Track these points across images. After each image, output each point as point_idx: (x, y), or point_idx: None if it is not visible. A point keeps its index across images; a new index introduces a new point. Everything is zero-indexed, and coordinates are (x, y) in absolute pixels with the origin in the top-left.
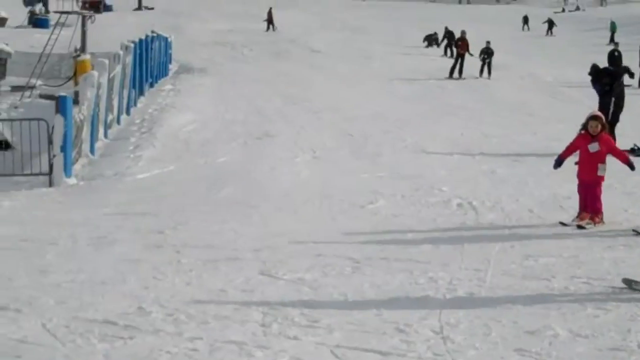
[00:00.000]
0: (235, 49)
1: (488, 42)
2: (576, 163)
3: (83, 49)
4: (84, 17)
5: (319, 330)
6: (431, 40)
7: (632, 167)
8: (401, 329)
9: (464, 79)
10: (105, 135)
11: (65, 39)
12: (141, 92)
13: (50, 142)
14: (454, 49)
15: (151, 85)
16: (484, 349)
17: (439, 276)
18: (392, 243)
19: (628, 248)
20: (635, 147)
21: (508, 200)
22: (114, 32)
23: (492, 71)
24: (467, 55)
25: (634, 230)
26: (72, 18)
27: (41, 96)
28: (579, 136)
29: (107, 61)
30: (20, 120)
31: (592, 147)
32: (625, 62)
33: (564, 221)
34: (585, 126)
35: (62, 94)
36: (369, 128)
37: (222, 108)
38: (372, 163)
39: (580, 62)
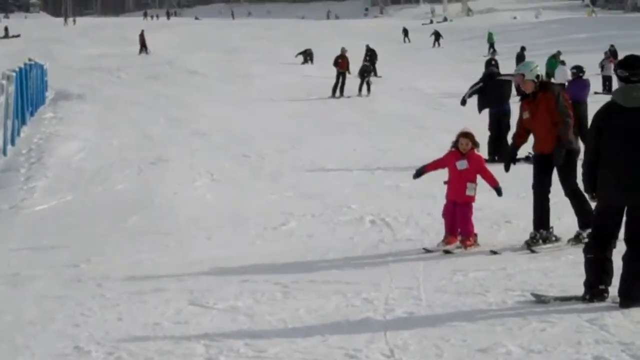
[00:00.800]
0: (111, 73)
1: (366, 61)
2: (445, 182)
3: None
4: None
5: None
6: (306, 56)
7: (499, 193)
8: (351, 354)
9: (348, 97)
10: None
11: None
12: (23, 122)
13: None
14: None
15: (31, 114)
16: None
17: (372, 297)
18: (316, 265)
19: (554, 258)
20: (530, 155)
21: (420, 214)
22: None
23: (371, 87)
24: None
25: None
26: None
27: None
28: (449, 153)
29: None
30: None
31: (461, 164)
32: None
33: (428, 247)
34: (455, 143)
35: None
36: (263, 148)
37: (108, 134)
38: (275, 183)
39: (458, 73)
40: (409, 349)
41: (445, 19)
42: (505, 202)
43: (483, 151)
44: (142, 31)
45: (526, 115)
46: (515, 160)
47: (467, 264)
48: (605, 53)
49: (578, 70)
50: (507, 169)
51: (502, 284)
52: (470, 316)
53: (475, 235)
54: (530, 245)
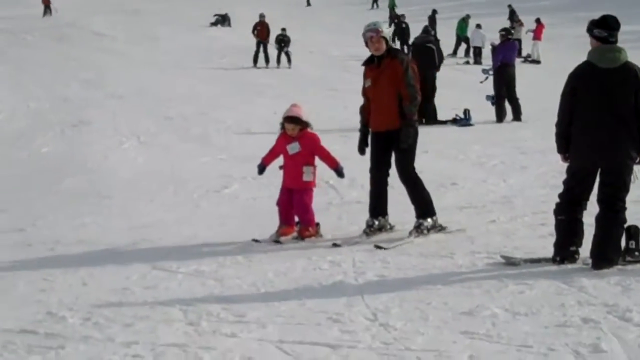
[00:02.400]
0: (15, 34)
1: (283, 30)
2: (281, 167)
3: None
4: None
5: (251, 326)
6: (223, 20)
7: (340, 174)
8: (334, 318)
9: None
10: None
11: None
12: None
13: None
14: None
15: None
16: (431, 334)
17: (338, 259)
18: (268, 227)
19: (511, 220)
20: (457, 117)
21: (363, 177)
22: None
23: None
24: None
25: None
26: None
27: None
28: (279, 137)
29: None
30: None
31: (292, 148)
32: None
33: (257, 238)
34: (283, 126)
35: None
36: (184, 110)
37: (21, 96)
38: (205, 146)
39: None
40: (391, 312)
41: None
42: (445, 164)
43: None
44: None
45: (368, 83)
46: (366, 143)
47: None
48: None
49: (507, 32)
50: (360, 151)
51: (466, 246)
52: (443, 279)
53: (317, 224)
54: (368, 233)
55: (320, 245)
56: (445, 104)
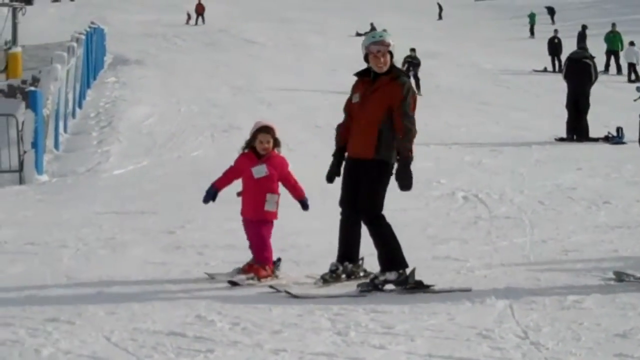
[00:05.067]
0: (167, 39)
1: (412, 50)
2: (239, 194)
3: (14, 41)
4: (14, 9)
5: (400, 338)
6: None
7: (305, 206)
8: (484, 334)
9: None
10: (65, 130)
11: None
12: (88, 85)
13: (19, 138)
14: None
15: (94, 78)
16: (583, 355)
17: (486, 273)
18: (417, 240)
19: None
20: (610, 135)
21: (513, 192)
22: (37, 24)
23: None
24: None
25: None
26: None
27: None
28: (241, 157)
29: (65, 54)
30: None
31: (258, 171)
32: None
33: (209, 272)
34: (250, 142)
35: (32, 89)
36: (333, 119)
37: (174, 100)
38: None
39: (511, 50)
40: (542, 331)
41: None
42: (598, 182)
43: (560, 130)
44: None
45: (356, 98)
46: (338, 170)
47: (576, 243)
48: None
49: None
50: (329, 179)
51: (619, 267)
52: (596, 299)
53: (274, 263)
54: (327, 280)
55: (467, 258)
56: (597, 121)
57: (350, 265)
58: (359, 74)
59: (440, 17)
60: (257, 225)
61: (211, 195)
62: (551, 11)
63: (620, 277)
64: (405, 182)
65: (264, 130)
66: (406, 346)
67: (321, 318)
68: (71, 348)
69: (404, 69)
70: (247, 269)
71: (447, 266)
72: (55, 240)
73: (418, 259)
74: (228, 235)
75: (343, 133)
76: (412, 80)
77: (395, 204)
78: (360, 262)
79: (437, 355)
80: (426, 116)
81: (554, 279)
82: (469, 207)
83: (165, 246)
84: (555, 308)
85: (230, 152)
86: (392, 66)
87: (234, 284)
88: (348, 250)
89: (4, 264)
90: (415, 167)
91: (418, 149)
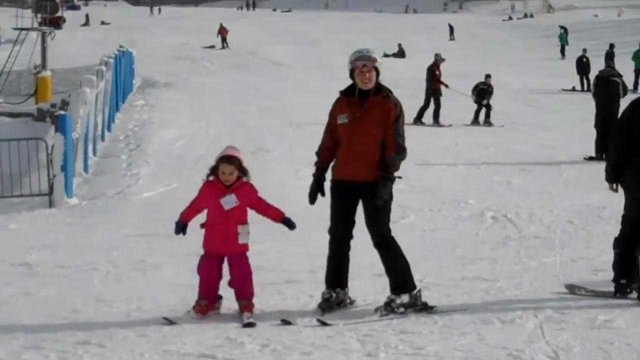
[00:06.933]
0: (195, 62)
1: (488, 77)
2: (202, 226)
3: (43, 65)
4: (43, 34)
5: (430, 359)
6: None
7: (291, 225)
8: (515, 355)
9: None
10: (95, 153)
11: (21, 55)
12: (117, 108)
13: (49, 161)
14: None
15: (122, 101)
16: None
17: (516, 294)
18: (447, 260)
19: None
20: None
21: (542, 211)
22: (67, 48)
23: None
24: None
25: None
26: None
27: (2, 114)
28: (205, 186)
29: (94, 77)
30: (18, 140)
31: (227, 201)
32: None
33: (168, 317)
34: (214, 170)
35: (62, 113)
36: None
37: (202, 123)
38: None
39: (541, 70)
40: (573, 351)
41: (526, 15)
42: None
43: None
44: (221, 25)
45: (342, 119)
46: (322, 189)
47: (608, 263)
48: None
49: None
50: (311, 200)
51: None
52: (626, 318)
53: (219, 298)
54: (325, 309)
55: (497, 279)
56: None
57: (341, 292)
58: (343, 92)
59: (452, 38)
60: (236, 260)
61: (180, 228)
62: (565, 31)
63: (572, 290)
64: (382, 195)
65: (226, 160)
66: None
67: (351, 339)
68: None
69: (474, 96)
70: (206, 307)
71: (476, 286)
72: (85, 263)
73: (447, 279)
74: (258, 257)
75: (325, 154)
76: (483, 109)
77: (425, 225)
78: (346, 289)
79: None
80: (455, 135)
81: (584, 299)
82: (498, 227)
83: (194, 268)
84: (585, 328)
85: (259, 173)
86: (379, 84)
87: (250, 324)
88: (339, 276)
89: (35, 287)
90: (443, 187)
91: (446, 169)
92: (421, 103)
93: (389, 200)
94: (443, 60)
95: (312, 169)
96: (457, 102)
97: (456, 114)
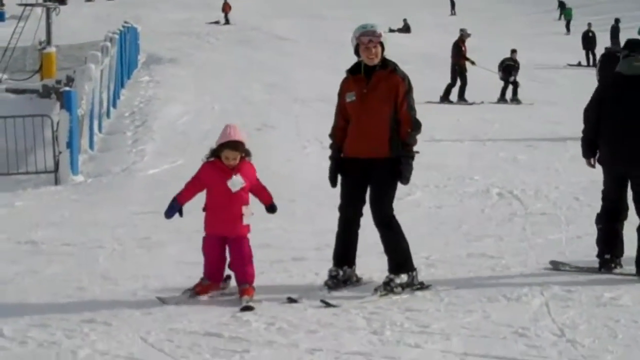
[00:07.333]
0: (200, 38)
1: (514, 52)
2: (204, 209)
3: (48, 41)
4: (48, 10)
5: (435, 337)
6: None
7: (274, 209)
8: (520, 332)
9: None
10: (100, 130)
11: (26, 31)
12: (122, 85)
13: (55, 138)
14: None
15: (128, 77)
16: (620, 353)
17: (521, 271)
18: (453, 237)
19: None
20: None
21: (548, 187)
22: (71, 24)
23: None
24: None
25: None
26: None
27: (7, 90)
28: (206, 167)
29: (99, 54)
30: (23, 117)
31: (234, 183)
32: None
33: (161, 296)
34: (216, 152)
35: (67, 89)
36: None
37: (207, 98)
38: None
39: (543, 44)
40: (578, 329)
41: None
42: None
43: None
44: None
45: (351, 97)
46: (338, 170)
47: None
48: None
49: None
50: (333, 183)
51: None
52: (632, 295)
53: (224, 279)
54: (331, 286)
55: (503, 256)
56: None
57: (348, 270)
58: (349, 71)
59: (453, 13)
60: (237, 242)
61: (176, 209)
62: (562, 5)
63: (556, 266)
64: (409, 176)
65: (231, 146)
66: (442, 345)
67: (356, 317)
68: (108, 349)
69: (500, 73)
70: (209, 287)
71: (482, 263)
72: (91, 241)
73: (453, 256)
74: (264, 234)
75: (339, 134)
76: (510, 86)
77: (430, 201)
78: (354, 267)
79: (473, 354)
80: (459, 112)
81: (590, 276)
82: (503, 203)
83: (200, 246)
84: (591, 305)
85: (263, 149)
86: (385, 59)
87: (248, 307)
88: (346, 254)
89: (40, 265)
90: (448, 163)
91: (452, 145)
92: (427, 79)
93: (395, 180)
94: (469, 35)
95: (320, 146)
96: (479, 78)
97: (479, 92)
